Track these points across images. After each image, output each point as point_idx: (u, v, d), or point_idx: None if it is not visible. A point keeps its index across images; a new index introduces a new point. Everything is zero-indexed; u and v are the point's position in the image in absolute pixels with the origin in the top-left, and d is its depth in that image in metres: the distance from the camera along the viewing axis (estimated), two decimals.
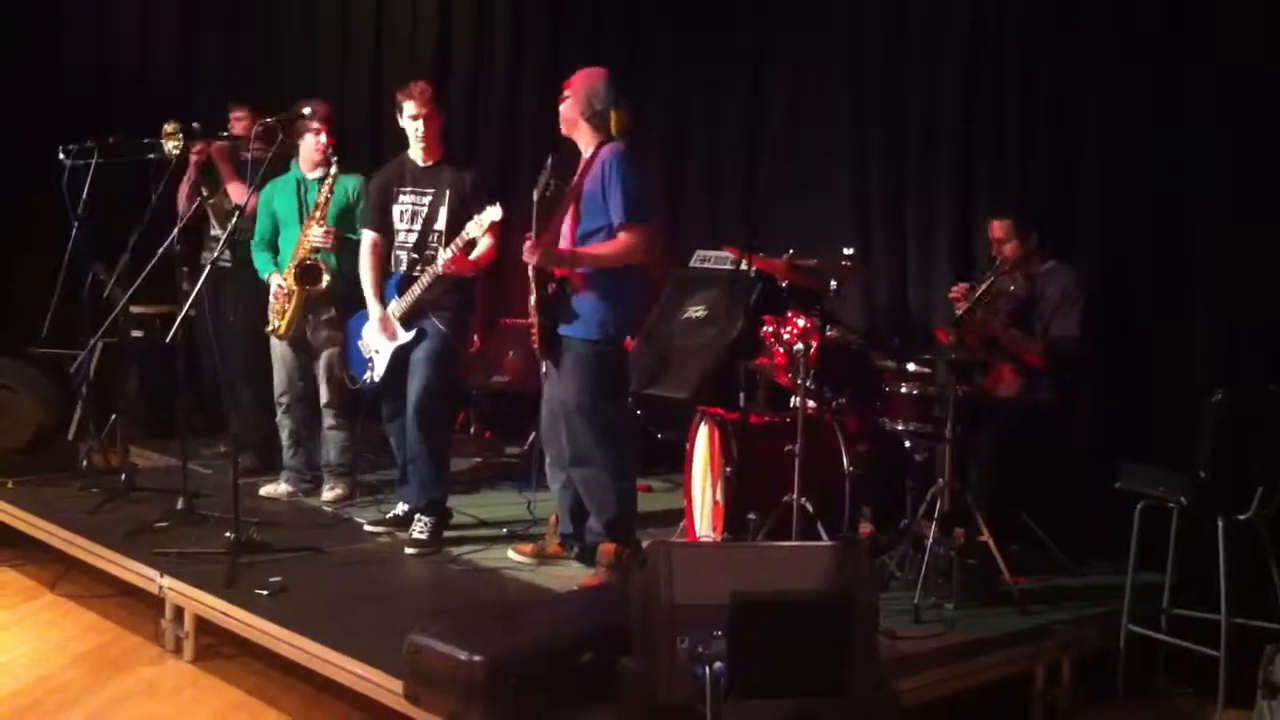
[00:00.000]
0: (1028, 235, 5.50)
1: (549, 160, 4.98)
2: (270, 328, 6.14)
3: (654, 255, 5.13)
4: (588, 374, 4.99)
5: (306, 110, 5.92)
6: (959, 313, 5.27)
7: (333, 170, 6.00)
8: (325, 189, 6.01)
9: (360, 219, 6.01)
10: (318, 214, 6.01)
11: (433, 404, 5.59)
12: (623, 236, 4.92)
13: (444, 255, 5.45)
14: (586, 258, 4.95)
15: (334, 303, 6.09)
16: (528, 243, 4.90)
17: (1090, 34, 5.87)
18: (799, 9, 7.13)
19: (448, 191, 5.58)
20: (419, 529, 5.55)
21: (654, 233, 5.06)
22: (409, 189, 5.68)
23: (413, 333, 5.60)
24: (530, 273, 5.02)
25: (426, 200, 5.62)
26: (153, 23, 8.83)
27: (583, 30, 8.23)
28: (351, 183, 6.15)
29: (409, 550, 5.48)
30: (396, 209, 5.69)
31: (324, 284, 6.00)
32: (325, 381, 6.20)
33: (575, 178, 5.06)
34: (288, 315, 6.08)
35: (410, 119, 5.62)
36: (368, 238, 5.80)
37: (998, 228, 5.55)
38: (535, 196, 4.93)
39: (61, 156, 6.28)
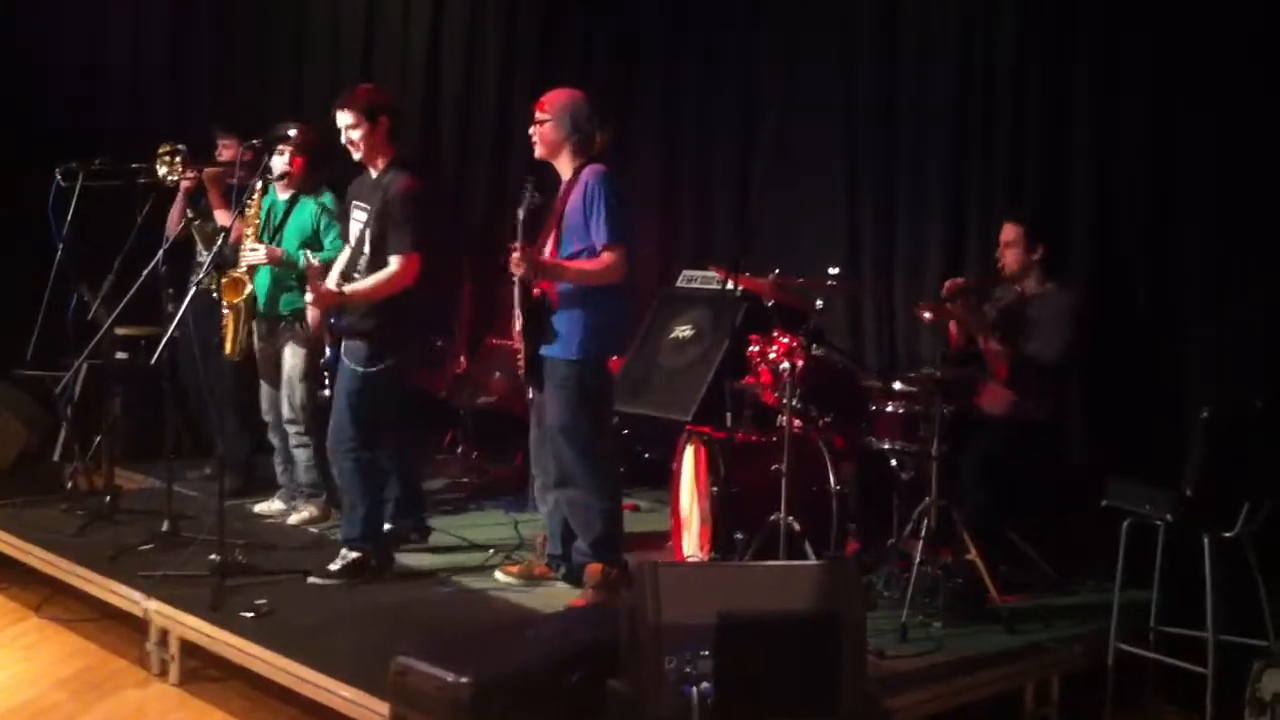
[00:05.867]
0: (1034, 247, 5.51)
1: (530, 179, 4.94)
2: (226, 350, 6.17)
3: (627, 276, 5.08)
4: (569, 394, 4.98)
5: (291, 131, 5.92)
6: (943, 295, 5.38)
7: (254, 191, 6.03)
8: (255, 206, 6.07)
9: (330, 237, 6.06)
10: (250, 232, 6.08)
11: (339, 441, 5.34)
12: (606, 256, 4.93)
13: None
14: (570, 272, 4.94)
15: (298, 320, 6.11)
16: (514, 254, 4.87)
17: (1079, 57, 5.91)
18: (791, 18, 7.15)
19: (379, 205, 5.32)
20: (336, 560, 5.34)
21: (630, 254, 5.02)
22: (358, 204, 5.46)
23: (329, 356, 5.43)
24: (516, 297, 5.03)
25: (364, 216, 5.38)
26: (141, 40, 8.84)
27: (573, 41, 8.24)
28: (312, 205, 6.16)
29: (310, 579, 5.27)
30: (351, 225, 5.50)
31: (243, 296, 6.06)
32: (286, 396, 6.19)
33: (557, 199, 5.05)
34: (230, 333, 6.13)
35: (344, 129, 5.31)
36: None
37: (1009, 231, 5.55)
38: (520, 214, 4.89)
39: (59, 178, 6.24)
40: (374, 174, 5.42)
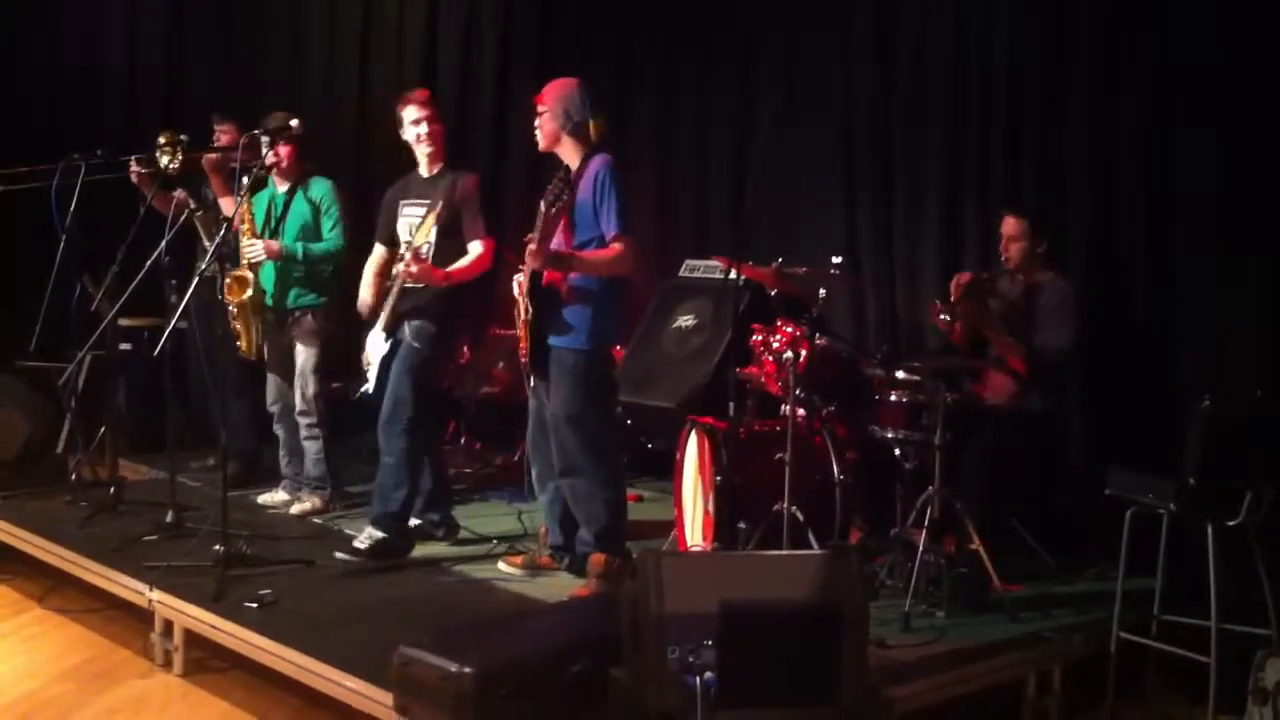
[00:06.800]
0: (1039, 239, 5.51)
1: (564, 171, 4.91)
2: (243, 348, 6.20)
3: (636, 268, 5.12)
4: (576, 383, 4.99)
5: (294, 122, 5.91)
6: (953, 298, 5.38)
7: (244, 185, 6.00)
8: (244, 203, 6.05)
9: (328, 226, 6.11)
10: (245, 228, 6.09)
11: (396, 419, 5.47)
12: (616, 247, 4.93)
13: (399, 265, 5.45)
14: (585, 263, 4.95)
15: (316, 310, 6.15)
16: (531, 246, 4.86)
17: (1077, 56, 5.90)
18: (790, 18, 7.13)
19: (441, 201, 5.53)
20: (362, 538, 5.42)
21: (638, 245, 5.06)
22: (412, 200, 5.65)
23: (389, 343, 5.55)
24: (516, 287, 5.02)
25: (422, 211, 5.56)
26: (140, 32, 8.83)
27: (571, 35, 8.23)
28: (320, 190, 6.20)
29: (336, 554, 5.36)
30: (401, 222, 5.67)
31: (247, 295, 6.06)
32: (299, 388, 6.20)
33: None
34: (243, 332, 6.16)
35: (412, 124, 5.62)
36: (376, 251, 5.84)
37: (1011, 224, 5.54)
38: (543, 206, 4.84)
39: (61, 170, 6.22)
40: (425, 174, 5.67)
